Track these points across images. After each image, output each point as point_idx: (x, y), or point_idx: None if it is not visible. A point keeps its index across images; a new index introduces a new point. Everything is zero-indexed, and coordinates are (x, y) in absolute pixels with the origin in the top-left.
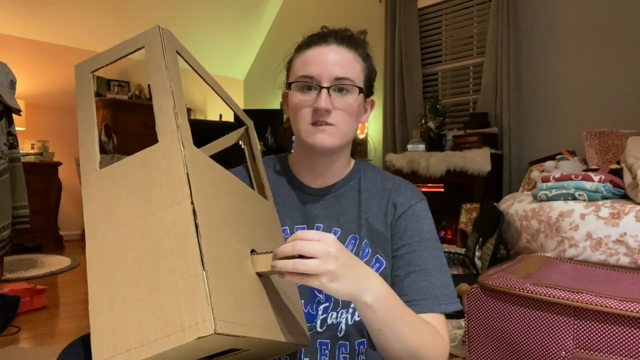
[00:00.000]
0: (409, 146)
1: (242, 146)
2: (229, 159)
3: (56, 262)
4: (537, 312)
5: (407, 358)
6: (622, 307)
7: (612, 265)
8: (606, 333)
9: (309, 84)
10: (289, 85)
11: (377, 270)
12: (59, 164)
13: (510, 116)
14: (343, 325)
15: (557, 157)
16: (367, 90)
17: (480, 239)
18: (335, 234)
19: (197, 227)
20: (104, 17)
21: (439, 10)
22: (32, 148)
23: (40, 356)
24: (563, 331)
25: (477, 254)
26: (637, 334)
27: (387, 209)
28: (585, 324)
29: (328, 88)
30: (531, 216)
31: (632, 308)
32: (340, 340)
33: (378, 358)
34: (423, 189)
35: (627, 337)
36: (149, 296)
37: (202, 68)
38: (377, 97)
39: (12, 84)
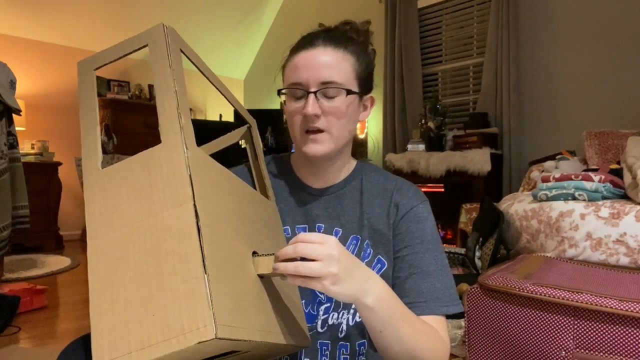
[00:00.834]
0: (409, 146)
1: (243, 146)
2: (229, 158)
3: (56, 262)
4: (537, 312)
5: (407, 358)
6: (622, 307)
7: (612, 265)
8: (606, 333)
9: (298, 91)
10: (278, 93)
11: (378, 271)
12: (59, 164)
13: (510, 116)
14: (344, 326)
15: (557, 157)
16: (363, 88)
17: (480, 239)
18: (336, 234)
19: (199, 229)
20: (104, 17)
21: (439, 10)
22: (32, 148)
23: (40, 356)
24: (563, 331)
25: (477, 254)
26: (637, 334)
27: (389, 210)
28: (585, 324)
29: (315, 93)
30: (531, 216)
31: (632, 308)
32: (341, 341)
33: (379, 359)
34: (423, 189)
35: (627, 337)
36: (151, 298)
37: (207, 67)
38: (377, 97)
39: (12, 84)
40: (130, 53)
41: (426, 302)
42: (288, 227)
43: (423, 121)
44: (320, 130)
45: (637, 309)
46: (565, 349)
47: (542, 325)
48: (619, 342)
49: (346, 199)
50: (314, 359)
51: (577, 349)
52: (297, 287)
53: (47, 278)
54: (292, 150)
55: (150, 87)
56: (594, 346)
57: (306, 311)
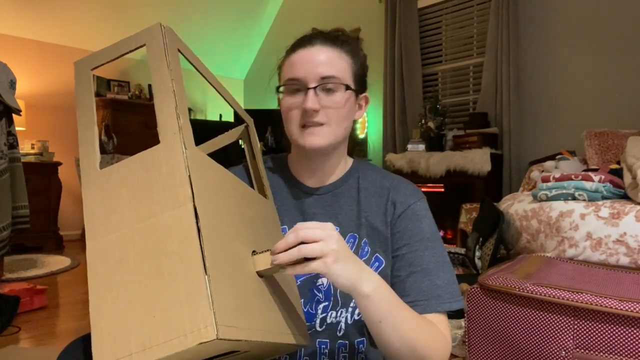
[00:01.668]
0: (409, 146)
1: (243, 146)
2: (228, 158)
3: (56, 262)
4: (537, 312)
5: (407, 353)
6: (621, 307)
7: (612, 265)
8: (606, 333)
9: (296, 86)
10: (277, 89)
11: (376, 270)
12: (59, 164)
13: (511, 116)
14: (343, 325)
15: (557, 157)
16: (359, 86)
17: (480, 239)
18: None
19: (199, 230)
20: (104, 17)
21: (439, 10)
22: (32, 148)
23: (40, 356)
24: (563, 331)
25: (477, 254)
26: (637, 334)
27: (386, 208)
28: (585, 324)
29: (315, 88)
30: (531, 216)
31: (632, 308)
32: (339, 339)
33: (378, 357)
34: (423, 189)
35: (626, 337)
36: (151, 299)
37: (204, 67)
38: (377, 97)
39: (12, 84)
40: (127, 53)
41: (427, 300)
42: (286, 226)
43: (423, 121)
44: (318, 124)
45: (637, 309)
46: (565, 349)
47: (542, 325)
48: (619, 342)
49: (343, 197)
50: (313, 358)
51: (577, 349)
52: (296, 286)
53: (47, 278)
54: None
55: (150, 87)
56: (594, 346)
57: (305, 310)
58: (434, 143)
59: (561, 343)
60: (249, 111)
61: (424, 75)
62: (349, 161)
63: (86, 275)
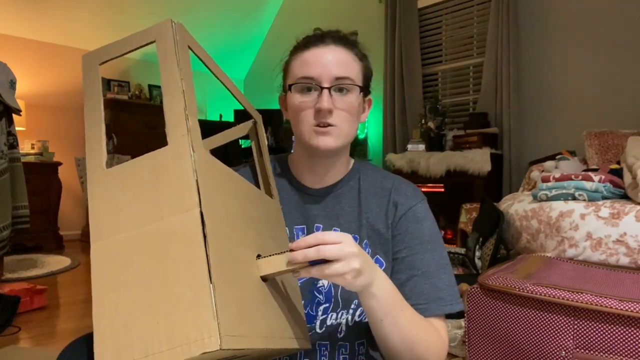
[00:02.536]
0: (409, 146)
1: (243, 146)
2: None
3: (56, 262)
4: (537, 312)
5: (405, 351)
6: (621, 307)
7: (612, 265)
8: (606, 333)
9: (309, 85)
10: (288, 87)
11: None
12: (59, 164)
13: (511, 116)
14: (343, 326)
15: (557, 157)
16: (366, 89)
17: (480, 239)
18: None
19: (205, 236)
20: (105, 17)
21: (439, 10)
22: (32, 148)
23: (40, 356)
24: (563, 331)
25: (477, 254)
26: (637, 334)
27: (387, 209)
28: (585, 324)
29: (329, 88)
30: (531, 216)
31: (632, 308)
32: (340, 341)
33: (378, 358)
34: (423, 189)
35: (627, 337)
36: (155, 305)
37: (215, 64)
38: (377, 97)
39: (12, 84)
40: (137, 49)
41: (428, 303)
42: (287, 227)
43: (423, 121)
44: (331, 125)
45: (637, 309)
46: (565, 349)
47: (542, 325)
48: (619, 342)
49: (344, 199)
50: None
51: (577, 349)
52: (299, 289)
53: (47, 278)
54: (291, 151)
55: (151, 87)
56: (594, 346)
57: (305, 312)
58: (434, 143)
59: (561, 343)
60: None
61: (424, 75)
62: (350, 162)
63: (86, 275)
